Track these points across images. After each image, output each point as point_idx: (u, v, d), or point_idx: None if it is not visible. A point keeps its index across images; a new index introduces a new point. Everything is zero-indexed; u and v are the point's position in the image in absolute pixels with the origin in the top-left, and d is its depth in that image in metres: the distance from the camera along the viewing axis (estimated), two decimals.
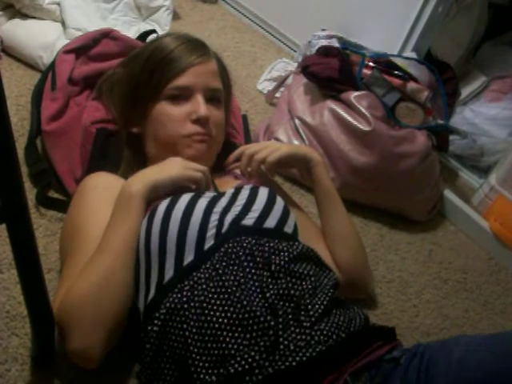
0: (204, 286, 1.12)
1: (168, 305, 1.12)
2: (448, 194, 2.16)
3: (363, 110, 1.90)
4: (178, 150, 1.41)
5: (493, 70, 2.52)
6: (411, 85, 2.01)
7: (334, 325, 1.12)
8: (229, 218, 1.24)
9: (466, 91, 2.51)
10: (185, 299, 1.11)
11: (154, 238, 1.19)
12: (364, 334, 1.17)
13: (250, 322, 1.07)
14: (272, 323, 1.07)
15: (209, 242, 1.19)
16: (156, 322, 1.12)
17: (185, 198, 1.24)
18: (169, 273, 1.17)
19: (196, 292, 1.11)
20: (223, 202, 1.28)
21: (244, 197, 1.31)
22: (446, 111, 2.07)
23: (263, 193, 1.33)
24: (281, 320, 1.09)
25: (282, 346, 1.06)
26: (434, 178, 2.05)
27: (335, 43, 2.21)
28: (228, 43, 2.71)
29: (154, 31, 2.11)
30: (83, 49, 1.80)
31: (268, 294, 1.11)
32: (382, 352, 1.13)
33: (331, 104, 1.97)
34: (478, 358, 0.98)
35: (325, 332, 1.10)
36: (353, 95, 1.93)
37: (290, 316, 1.11)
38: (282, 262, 1.17)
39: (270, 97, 2.39)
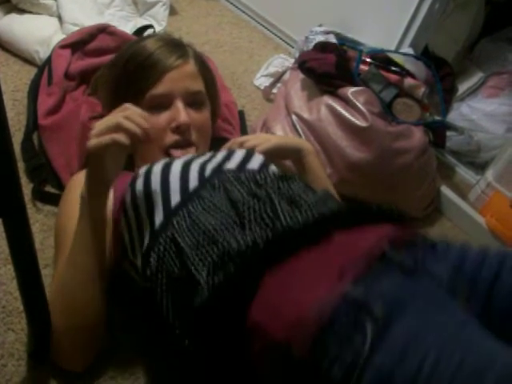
0: (195, 211, 1.11)
1: (162, 240, 1.11)
2: (444, 190, 2.16)
3: (360, 106, 1.90)
4: (160, 158, 1.38)
5: (490, 66, 2.52)
6: (408, 81, 2.01)
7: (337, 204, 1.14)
8: (210, 166, 1.24)
9: (463, 87, 2.50)
10: (177, 227, 1.10)
11: (139, 194, 1.19)
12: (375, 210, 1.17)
13: (245, 214, 1.06)
14: (268, 204, 1.07)
15: (193, 184, 1.18)
16: (153, 255, 1.12)
17: (160, 162, 1.24)
18: (158, 217, 1.15)
19: (186, 219, 1.11)
20: (202, 158, 1.29)
21: (222, 154, 1.31)
22: (443, 107, 2.07)
23: (241, 150, 1.34)
24: (277, 204, 1.08)
25: (282, 216, 1.05)
26: (430, 174, 2.05)
27: (332, 39, 2.21)
28: (225, 39, 2.70)
29: (150, 26, 2.11)
30: (79, 44, 1.80)
31: (258, 191, 1.12)
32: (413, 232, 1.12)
33: (328, 100, 1.97)
34: None
35: (329, 206, 1.11)
36: (350, 91, 1.93)
37: (285, 204, 1.10)
38: (269, 177, 1.18)
39: (267, 92, 2.39)
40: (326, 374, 0.87)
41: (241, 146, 1.45)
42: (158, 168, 1.21)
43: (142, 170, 1.22)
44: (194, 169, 1.23)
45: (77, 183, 1.37)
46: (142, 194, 1.19)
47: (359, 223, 1.08)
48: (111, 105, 1.50)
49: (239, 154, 1.31)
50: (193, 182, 1.19)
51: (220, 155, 1.31)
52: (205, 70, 1.53)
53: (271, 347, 0.92)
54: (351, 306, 0.89)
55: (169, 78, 1.41)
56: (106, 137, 1.11)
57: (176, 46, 1.48)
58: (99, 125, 1.14)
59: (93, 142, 1.12)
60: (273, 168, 1.30)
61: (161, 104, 1.41)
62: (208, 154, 1.33)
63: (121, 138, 1.11)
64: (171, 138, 1.40)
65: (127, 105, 1.19)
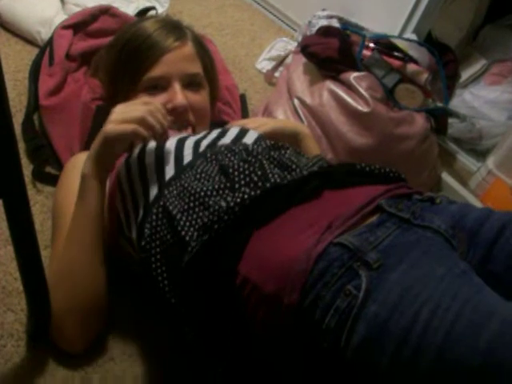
0: (186, 180, 1.13)
1: (154, 210, 1.12)
2: (446, 177, 2.16)
3: (362, 91, 1.89)
4: None
5: (493, 53, 2.51)
6: (411, 67, 2.00)
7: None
8: (205, 142, 1.25)
9: (466, 74, 2.49)
10: (168, 196, 1.12)
11: (134, 171, 1.20)
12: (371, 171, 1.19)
13: (235, 177, 1.08)
14: (258, 167, 1.08)
15: (187, 158, 1.20)
16: (147, 226, 1.13)
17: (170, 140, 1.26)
18: (153, 191, 1.17)
19: (178, 187, 1.12)
20: (196, 136, 1.30)
21: (217, 131, 1.33)
22: (445, 94, 2.06)
23: (236, 127, 1.35)
24: (267, 166, 1.10)
25: (271, 176, 1.06)
26: (432, 160, 2.05)
27: (335, 23, 2.20)
28: (227, 21, 2.68)
29: (153, 8, 2.10)
30: (81, 25, 1.79)
31: (249, 159, 1.13)
32: (407, 191, 1.12)
33: (330, 85, 1.96)
34: None
35: (320, 164, 1.14)
36: (352, 76, 1.92)
37: (276, 168, 1.11)
38: (261, 146, 1.20)
39: (269, 76, 2.38)
40: (318, 324, 0.88)
41: None
42: (152, 145, 1.22)
43: (137, 148, 1.23)
44: (189, 145, 1.23)
45: (76, 164, 1.37)
46: (137, 170, 1.20)
47: (352, 183, 1.09)
48: (110, 86, 1.50)
49: (233, 131, 1.32)
50: (187, 157, 1.20)
51: (215, 132, 1.32)
52: (203, 52, 1.53)
53: (262, 300, 0.93)
54: (343, 254, 0.89)
55: (166, 59, 1.42)
56: (129, 127, 1.15)
57: (174, 28, 1.49)
58: (122, 113, 1.18)
59: (113, 127, 1.16)
60: (267, 141, 1.30)
61: (158, 85, 1.42)
62: (203, 132, 1.33)
63: (143, 132, 1.17)
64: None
65: (148, 99, 1.25)
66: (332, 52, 1.96)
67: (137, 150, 1.22)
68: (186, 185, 1.10)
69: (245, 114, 1.94)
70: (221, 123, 1.58)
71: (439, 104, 2.04)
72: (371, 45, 2.02)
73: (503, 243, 0.97)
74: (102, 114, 1.55)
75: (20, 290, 1.28)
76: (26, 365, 1.20)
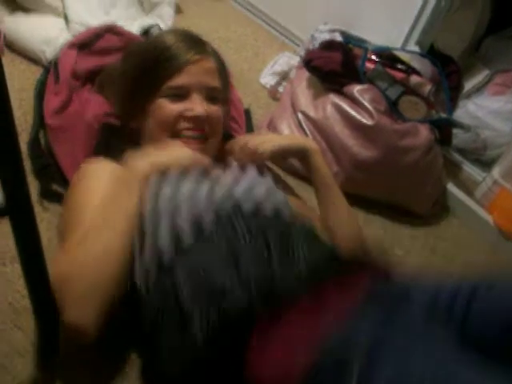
0: (197, 251, 1.15)
1: (163, 279, 1.14)
2: (451, 187, 2.16)
3: (366, 104, 1.90)
4: (167, 140, 1.42)
5: (496, 64, 2.52)
6: (414, 78, 2.01)
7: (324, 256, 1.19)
8: (219, 192, 1.27)
9: (469, 85, 2.50)
10: (178, 263, 1.14)
11: (148, 211, 1.22)
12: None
13: (242, 260, 1.10)
14: (265, 255, 1.11)
15: (203, 214, 1.21)
16: (149, 282, 1.15)
17: (187, 183, 1.27)
18: (164, 239, 1.19)
19: (189, 256, 1.15)
20: (210, 180, 1.32)
21: (231, 175, 1.35)
22: (449, 105, 2.06)
23: (250, 172, 1.37)
24: (272, 254, 1.13)
25: (275, 271, 1.10)
26: (437, 171, 2.05)
27: (338, 37, 2.21)
28: (231, 37, 2.70)
29: (156, 26, 2.11)
30: (86, 44, 1.80)
31: (259, 241, 1.15)
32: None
33: (334, 98, 1.97)
34: None
35: (313, 259, 1.16)
36: (356, 89, 1.93)
37: (280, 252, 1.14)
38: (274, 231, 1.20)
39: (273, 91, 2.39)
40: None
41: (244, 145, 1.47)
42: (167, 191, 1.24)
43: (151, 191, 1.25)
44: (202, 193, 1.25)
45: (90, 169, 1.39)
46: (151, 212, 1.22)
47: (338, 275, 1.13)
48: (128, 96, 1.51)
49: (247, 180, 1.33)
50: (204, 213, 1.21)
51: (229, 177, 1.33)
52: (222, 68, 1.54)
53: None
54: (332, 360, 0.93)
55: (188, 70, 1.43)
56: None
57: (196, 42, 1.51)
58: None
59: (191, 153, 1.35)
60: (278, 197, 1.33)
61: (177, 94, 1.43)
62: (216, 173, 1.36)
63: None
64: (184, 124, 1.42)
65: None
66: (335, 65, 1.97)
67: (152, 192, 1.24)
68: (195, 257, 1.14)
69: (249, 128, 1.94)
70: (227, 137, 1.58)
71: (443, 115, 2.04)
72: (374, 57, 2.03)
73: (472, 319, 1.02)
74: (105, 132, 1.56)
75: (28, 308, 1.28)
76: (34, 383, 1.20)
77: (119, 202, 1.23)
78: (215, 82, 1.48)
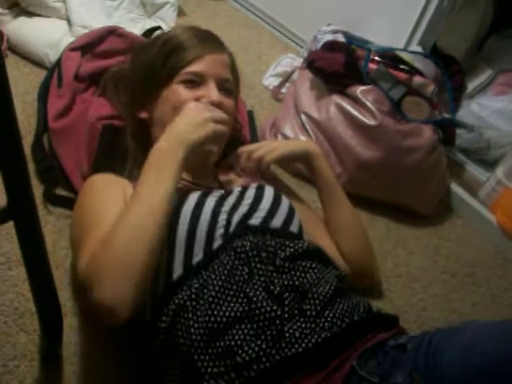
0: (213, 283, 1.13)
1: (177, 301, 1.12)
2: (455, 187, 2.16)
3: (369, 105, 1.90)
4: None
5: (499, 64, 2.52)
6: (417, 79, 2.01)
7: (338, 311, 1.14)
8: (236, 217, 1.25)
9: (472, 85, 2.50)
10: (193, 296, 1.12)
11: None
12: (368, 320, 1.18)
13: (256, 312, 1.09)
14: (278, 313, 1.09)
15: (217, 242, 1.20)
16: (165, 318, 1.13)
17: (194, 197, 1.25)
18: (178, 270, 1.17)
19: (205, 290, 1.12)
20: (230, 201, 1.30)
21: (250, 196, 1.33)
22: (452, 105, 2.06)
23: (269, 192, 1.36)
24: (286, 309, 1.11)
25: (287, 335, 1.07)
26: (440, 171, 2.05)
27: (341, 38, 2.21)
28: (234, 39, 2.70)
29: (159, 28, 2.12)
30: (89, 46, 1.80)
31: (272, 287, 1.13)
32: (386, 336, 1.14)
33: (337, 99, 1.97)
34: (491, 339, 0.98)
35: (329, 319, 1.12)
36: (359, 90, 1.93)
37: (295, 305, 1.12)
38: (287, 258, 1.19)
39: (276, 92, 2.39)
40: None
41: (250, 155, 1.47)
42: (188, 209, 1.23)
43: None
44: (222, 217, 1.24)
45: (100, 182, 1.36)
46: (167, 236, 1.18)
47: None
48: (139, 87, 1.50)
49: (266, 201, 1.32)
50: (217, 239, 1.20)
51: (246, 199, 1.32)
52: (234, 68, 1.57)
53: None
54: None
55: (207, 59, 1.45)
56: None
57: (213, 36, 1.55)
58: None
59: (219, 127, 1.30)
60: (295, 221, 1.33)
61: (194, 81, 1.43)
62: (236, 191, 1.35)
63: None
64: None
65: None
66: (338, 66, 1.97)
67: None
68: (211, 294, 1.12)
69: (252, 130, 1.94)
70: (233, 140, 1.58)
71: (446, 115, 2.04)
72: (377, 58, 2.02)
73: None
74: (108, 133, 1.56)
75: (33, 311, 1.29)
76: None
77: (152, 183, 1.17)
78: (230, 76, 1.50)
